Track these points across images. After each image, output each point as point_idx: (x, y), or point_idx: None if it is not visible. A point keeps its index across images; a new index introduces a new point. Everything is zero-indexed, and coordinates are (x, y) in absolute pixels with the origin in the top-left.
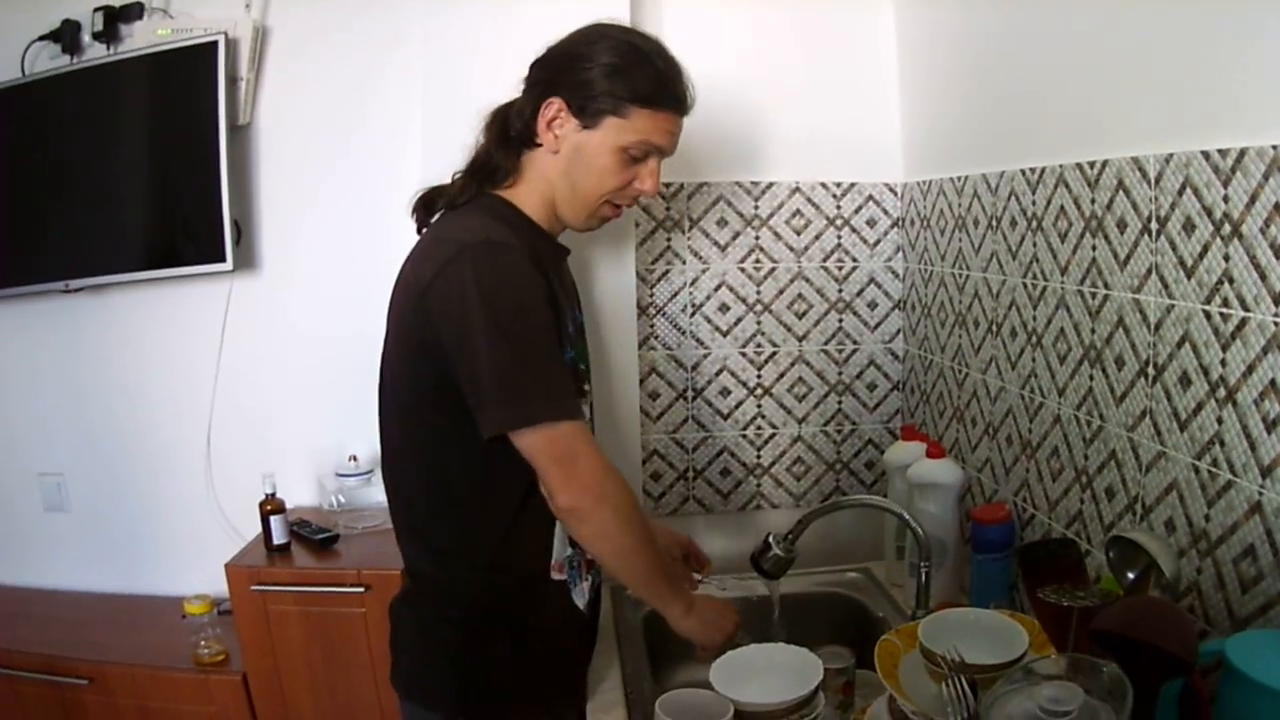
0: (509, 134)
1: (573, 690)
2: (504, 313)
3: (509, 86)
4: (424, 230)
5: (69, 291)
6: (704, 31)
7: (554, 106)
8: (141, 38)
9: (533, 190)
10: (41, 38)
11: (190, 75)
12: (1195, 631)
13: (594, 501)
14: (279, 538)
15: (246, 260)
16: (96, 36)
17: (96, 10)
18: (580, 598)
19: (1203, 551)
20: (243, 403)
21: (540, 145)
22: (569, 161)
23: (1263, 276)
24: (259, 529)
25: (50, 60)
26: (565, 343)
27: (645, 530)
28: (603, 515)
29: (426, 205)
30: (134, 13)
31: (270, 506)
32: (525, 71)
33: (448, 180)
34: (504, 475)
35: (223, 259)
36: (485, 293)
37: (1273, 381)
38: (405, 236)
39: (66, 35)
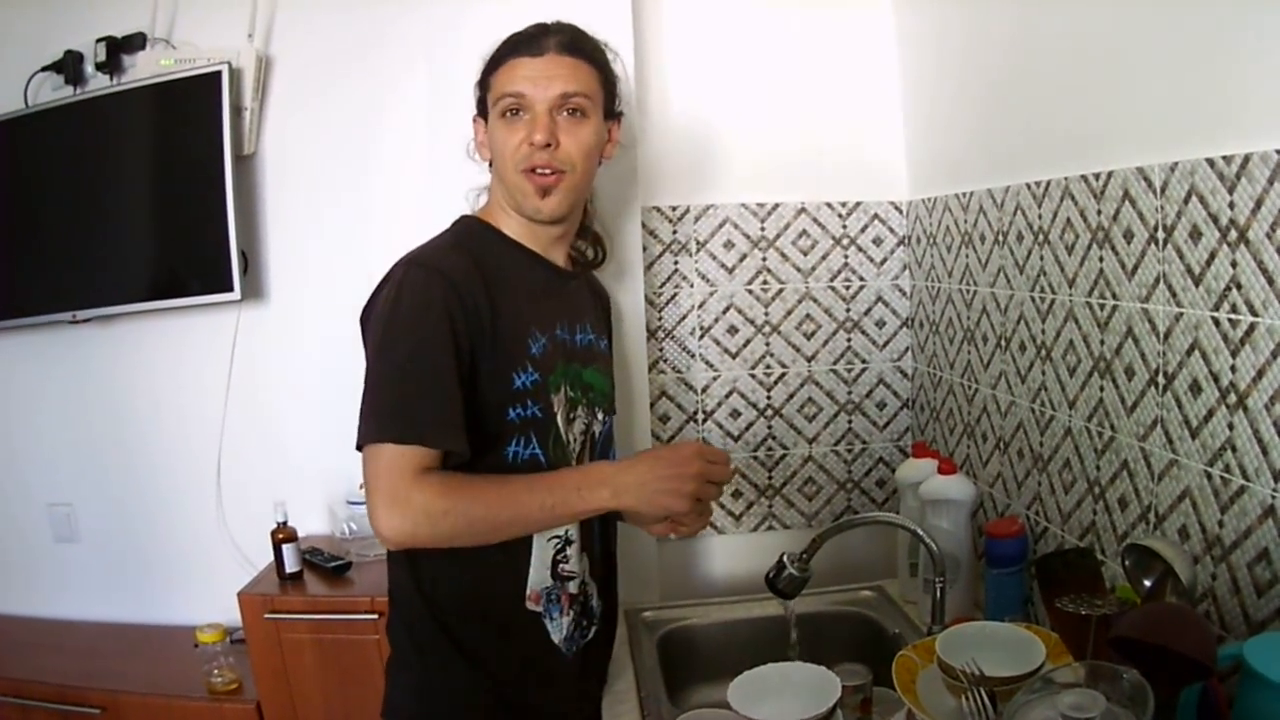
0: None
1: None
2: (393, 329)
3: None
4: None
5: (76, 322)
6: (705, 54)
7: (477, 126)
8: (144, 68)
9: (498, 205)
10: (44, 69)
11: (194, 105)
12: (1214, 636)
13: (399, 522)
14: (291, 566)
15: (254, 290)
16: (99, 67)
17: (99, 41)
18: (557, 633)
19: (1217, 557)
20: (252, 432)
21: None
22: (494, 159)
23: (1270, 281)
24: (271, 557)
25: (53, 91)
26: (518, 357)
27: (471, 489)
28: (419, 527)
29: None
30: (137, 43)
31: (282, 535)
32: None
33: (453, 206)
34: None
35: (230, 289)
36: (389, 310)
37: None
38: None
39: (69, 66)
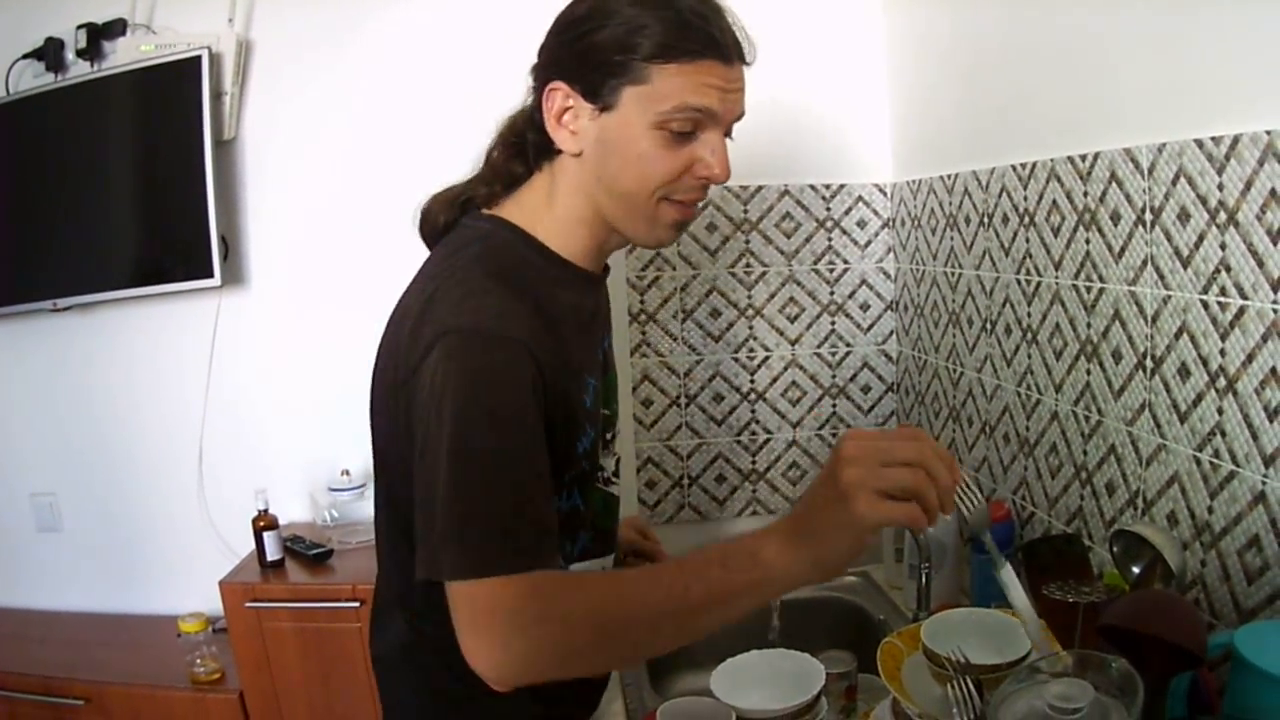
0: (525, 142)
1: None
2: (477, 431)
3: (495, 100)
4: (432, 250)
5: (57, 310)
6: None
7: (558, 94)
8: (125, 54)
9: (557, 215)
10: (25, 56)
11: (174, 91)
12: (1204, 624)
13: (522, 667)
14: (273, 554)
15: (234, 276)
16: (80, 54)
17: (80, 28)
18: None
19: (1206, 544)
20: (233, 419)
21: (558, 151)
22: (598, 159)
23: (1260, 263)
24: (252, 545)
25: (34, 78)
26: (580, 421)
27: (610, 603)
28: (550, 666)
29: (431, 221)
30: (117, 29)
31: (263, 523)
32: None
33: (439, 188)
34: None
35: (211, 275)
36: (464, 397)
37: (1273, 369)
38: (392, 249)
39: (50, 53)
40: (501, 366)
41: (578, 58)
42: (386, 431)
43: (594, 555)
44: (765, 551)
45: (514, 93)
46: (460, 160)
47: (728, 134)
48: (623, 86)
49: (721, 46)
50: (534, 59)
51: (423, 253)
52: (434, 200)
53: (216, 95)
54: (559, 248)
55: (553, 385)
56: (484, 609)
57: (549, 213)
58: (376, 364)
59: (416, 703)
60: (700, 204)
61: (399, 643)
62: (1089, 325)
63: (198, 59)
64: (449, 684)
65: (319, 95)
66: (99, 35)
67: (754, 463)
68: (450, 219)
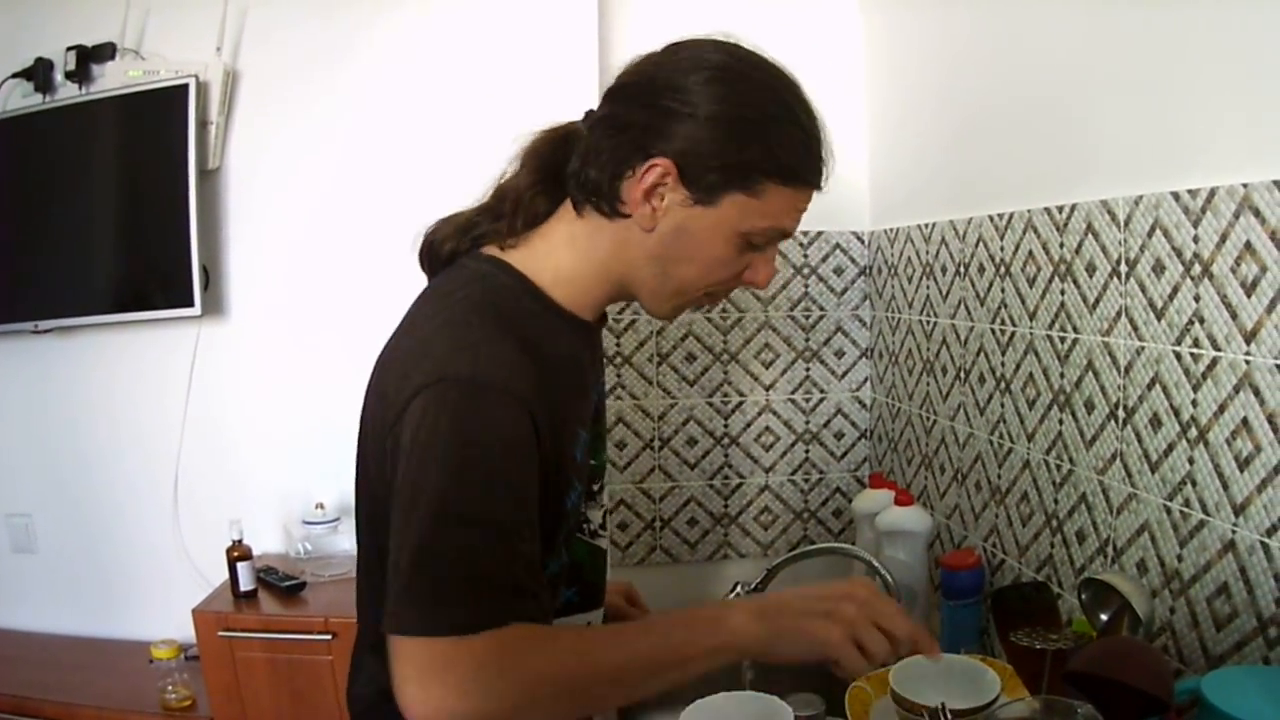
0: (561, 181)
1: None
2: (465, 492)
3: (483, 130)
4: (430, 281)
5: (38, 332)
6: None
7: (656, 171)
8: (113, 79)
9: (576, 263)
10: (15, 75)
11: (161, 118)
12: (1171, 670)
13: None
14: (246, 584)
15: (215, 306)
16: (69, 76)
17: (69, 49)
18: None
19: (1175, 591)
20: (210, 448)
21: (627, 216)
22: (667, 244)
23: (1233, 315)
24: (226, 574)
25: (23, 98)
26: (569, 475)
27: (575, 657)
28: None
29: (436, 249)
30: (106, 53)
31: (237, 553)
32: (591, 110)
33: (418, 223)
34: None
35: (191, 304)
36: (450, 459)
37: (1244, 420)
38: (373, 283)
39: (40, 73)
40: (496, 423)
41: (690, 143)
42: (374, 476)
43: (580, 610)
44: (732, 620)
45: (499, 126)
46: (446, 192)
47: None
48: (732, 190)
49: (821, 177)
50: (610, 98)
51: (406, 286)
52: (441, 226)
53: (202, 124)
54: (563, 297)
55: (546, 442)
56: (441, 663)
57: (566, 260)
58: (365, 408)
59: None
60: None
61: (375, 686)
62: (1062, 375)
63: (185, 87)
64: None
65: (304, 127)
66: (88, 58)
67: (726, 507)
68: (458, 249)
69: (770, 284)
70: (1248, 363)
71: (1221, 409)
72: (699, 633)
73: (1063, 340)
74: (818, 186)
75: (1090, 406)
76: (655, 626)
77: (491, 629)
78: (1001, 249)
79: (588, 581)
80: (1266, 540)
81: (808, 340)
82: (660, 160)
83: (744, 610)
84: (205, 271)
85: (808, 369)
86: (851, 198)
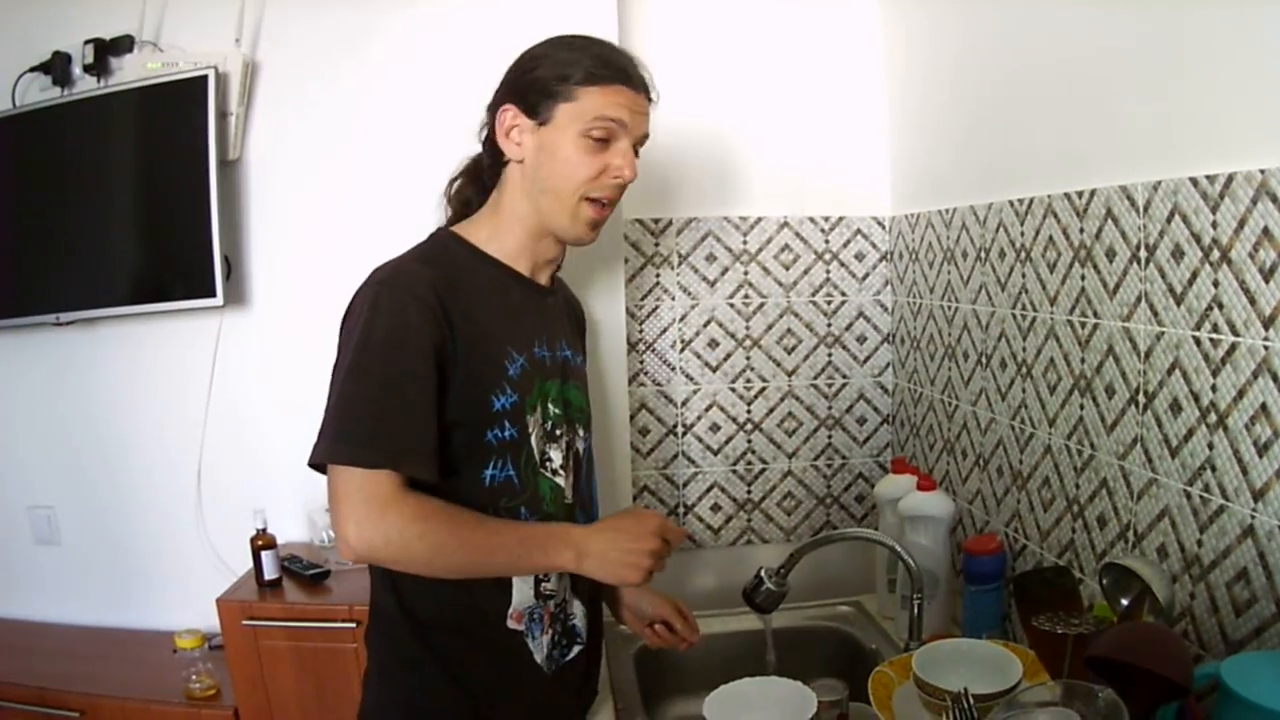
0: (481, 168)
1: None
2: (369, 353)
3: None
4: None
5: (60, 324)
6: (690, 67)
7: (508, 114)
8: (132, 71)
9: (498, 218)
10: (33, 69)
11: (180, 109)
12: (1190, 655)
13: (370, 538)
14: (270, 573)
15: (237, 295)
16: (87, 69)
17: (87, 43)
18: (539, 652)
19: (1195, 576)
20: (233, 438)
21: (508, 161)
22: (535, 164)
23: (1252, 301)
24: (249, 564)
25: (41, 92)
26: (497, 379)
27: (444, 520)
28: (389, 545)
29: None
30: (124, 46)
31: (261, 542)
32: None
33: (433, 214)
34: None
35: (213, 294)
36: (364, 332)
37: (1263, 405)
38: None
39: (57, 67)
40: (399, 310)
41: (525, 85)
42: None
43: None
44: (571, 550)
45: None
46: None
47: (637, 152)
48: (558, 103)
49: (631, 77)
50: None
51: None
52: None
53: (222, 115)
54: (496, 250)
55: (450, 339)
56: (341, 493)
57: (492, 217)
58: None
59: (376, 664)
60: (609, 207)
61: (373, 609)
62: (1083, 360)
63: (204, 78)
64: (401, 650)
65: (324, 117)
66: (106, 51)
67: (749, 492)
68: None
69: (634, 172)
70: (1266, 348)
71: (1240, 394)
72: (550, 549)
73: (1083, 325)
74: (629, 84)
75: (1111, 392)
76: (516, 528)
77: (379, 469)
78: (1022, 234)
79: (547, 513)
80: None
81: (830, 325)
82: (507, 106)
83: (574, 548)
84: (227, 261)
85: (830, 354)
86: (872, 183)
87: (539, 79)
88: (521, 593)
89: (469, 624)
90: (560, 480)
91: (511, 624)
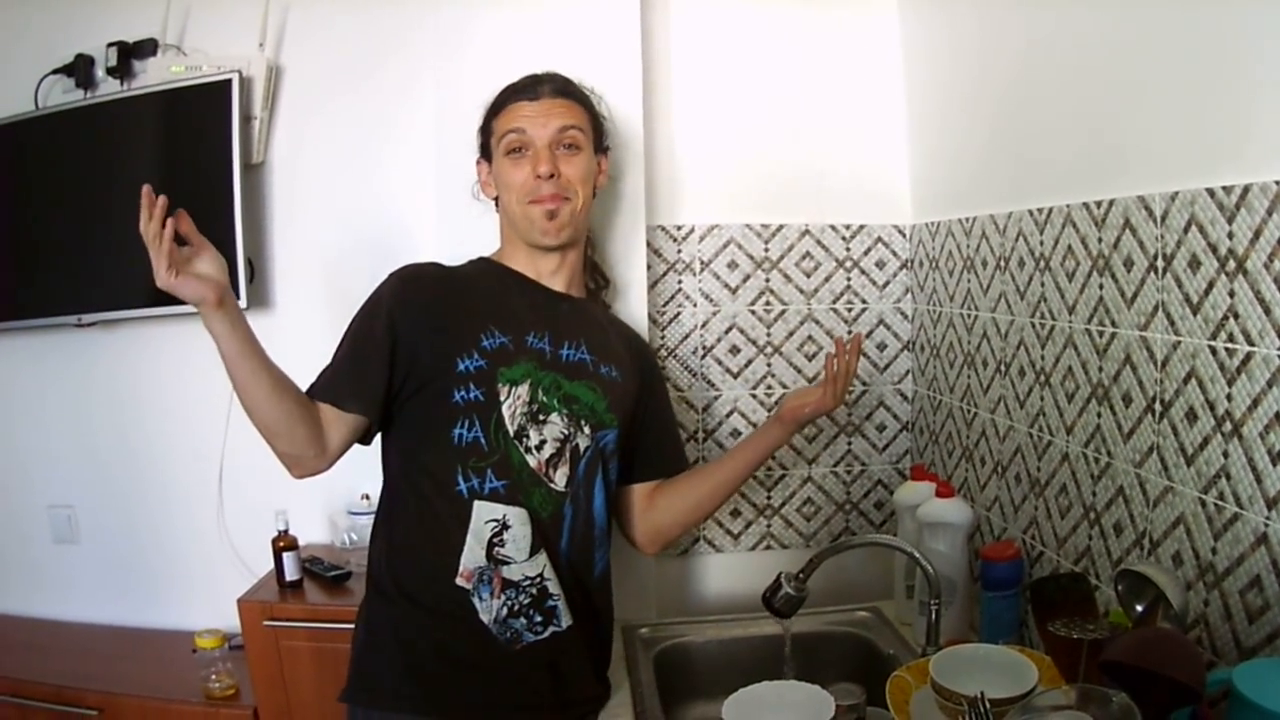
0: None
1: (465, 709)
2: (355, 316)
3: None
4: None
5: (81, 325)
6: (712, 75)
7: (480, 168)
8: (155, 74)
9: (505, 240)
10: (55, 71)
11: (204, 113)
12: (1204, 661)
13: None
14: (291, 574)
15: (260, 299)
16: (110, 72)
17: (110, 45)
18: (486, 613)
19: (1210, 583)
20: (255, 439)
21: (494, 198)
22: (499, 194)
23: (1267, 311)
24: (270, 565)
25: (64, 94)
26: (464, 344)
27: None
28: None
29: None
30: (148, 49)
31: (283, 543)
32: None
33: (460, 215)
34: (415, 472)
35: (236, 297)
36: (364, 302)
37: (1277, 414)
38: None
39: (80, 70)
40: (381, 285)
41: (479, 138)
42: None
43: (504, 501)
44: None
45: None
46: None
47: (570, 146)
48: (490, 141)
49: (525, 91)
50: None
51: None
52: None
53: (246, 119)
54: (507, 260)
55: (420, 306)
56: None
57: (505, 240)
58: None
59: (366, 604)
60: (556, 201)
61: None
62: (1100, 369)
63: (228, 82)
64: (383, 587)
65: (348, 121)
66: (130, 54)
67: (769, 498)
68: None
69: (548, 165)
70: None
71: (1255, 403)
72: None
73: (1101, 334)
74: (524, 96)
75: (1128, 400)
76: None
77: (320, 399)
78: (1041, 243)
79: (518, 481)
80: None
81: (850, 333)
82: (478, 160)
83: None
84: (250, 264)
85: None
86: (893, 191)
87: (480, 130)
88: (473, 552)
89: (421, 581)
90: (536, 457)
91: (460, 582)
